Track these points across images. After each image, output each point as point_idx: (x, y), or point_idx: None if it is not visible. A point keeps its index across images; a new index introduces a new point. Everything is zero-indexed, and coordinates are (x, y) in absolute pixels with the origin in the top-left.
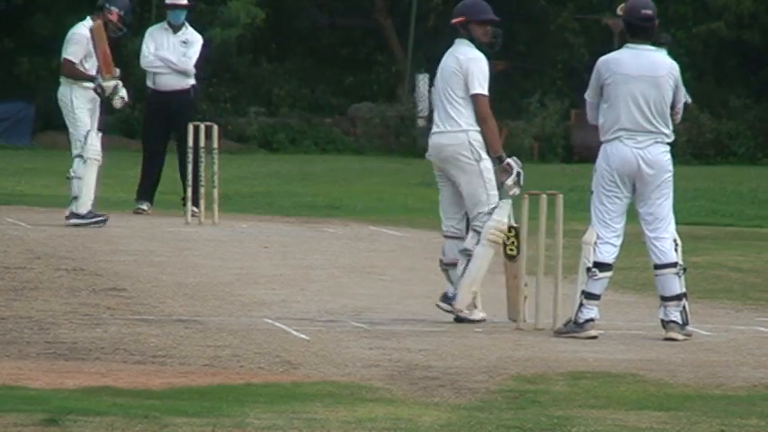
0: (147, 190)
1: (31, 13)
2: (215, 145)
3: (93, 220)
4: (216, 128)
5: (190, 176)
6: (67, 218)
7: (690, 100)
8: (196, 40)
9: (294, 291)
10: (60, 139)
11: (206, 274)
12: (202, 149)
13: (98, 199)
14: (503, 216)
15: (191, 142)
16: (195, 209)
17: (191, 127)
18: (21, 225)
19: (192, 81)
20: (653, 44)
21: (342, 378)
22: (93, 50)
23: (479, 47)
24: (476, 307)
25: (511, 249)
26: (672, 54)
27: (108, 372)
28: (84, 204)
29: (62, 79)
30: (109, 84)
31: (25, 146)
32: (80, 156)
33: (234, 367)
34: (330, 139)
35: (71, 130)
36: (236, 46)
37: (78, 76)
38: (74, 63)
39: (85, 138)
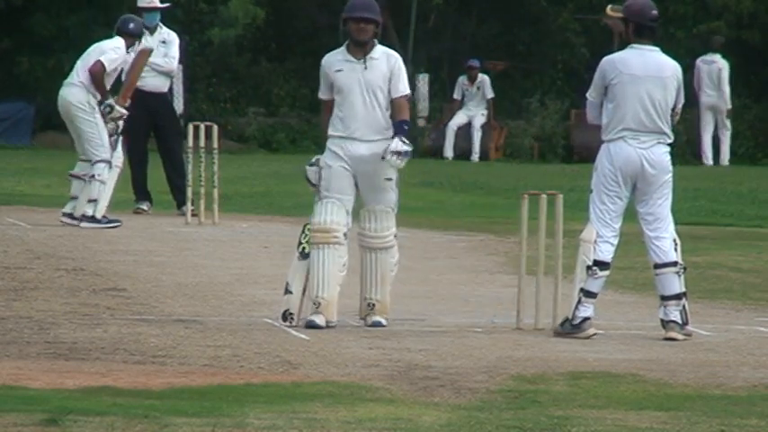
0: (142, 189)
1: (31, 13)
2: (215, 145)
3: (109, 225)
4: (216, 128)
5: (189, 176)
6: (79, 219)
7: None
8: (173, 39)
9: None
10: (60, 139)
11: (206, 274)
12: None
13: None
14: (313, 216)
15: (191, 142)
16: (184, 209)
17: (190, 127)
18: (21, 225)
19: (169, 83)
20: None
21: (342, 378)
22: (116, 71)
23: (356, 43)
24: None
25: (304, 247)
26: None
27: (108, 372)
28: (101, 210)
29: (78, 82)
30: (120, 110)
31: (25, 146)
32: (107, 162)
33: (234, 367)
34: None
35: (92, 133)
36: (236, 46)
37: (99, 84)
38: (105, 71)
39: (115, 145)
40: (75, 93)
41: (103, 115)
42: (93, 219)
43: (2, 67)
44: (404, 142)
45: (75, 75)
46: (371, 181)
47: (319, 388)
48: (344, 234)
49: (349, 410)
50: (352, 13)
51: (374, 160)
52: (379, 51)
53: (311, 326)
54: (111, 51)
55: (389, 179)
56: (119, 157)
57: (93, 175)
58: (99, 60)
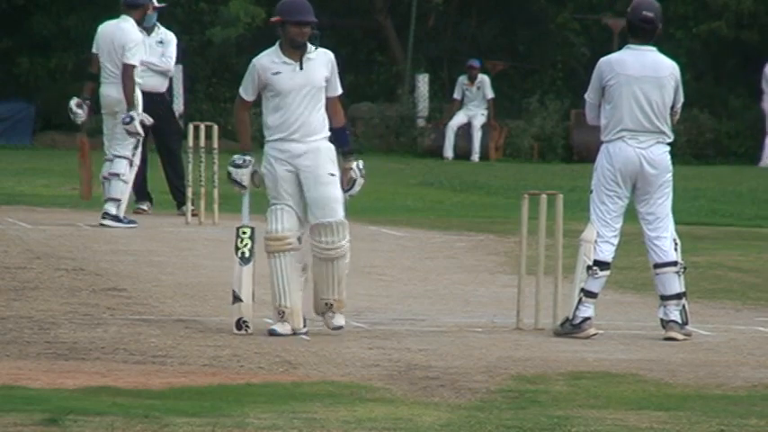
0: (142, 189)
1: (32, 12)
2: (215, 145)
3: (129, 225)
4: (216, 128)
5: (189, 176)
6: (104, 218)
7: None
8: (171, 39)
9: None
10: (60, 139)
11: (206, 274)
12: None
13: (100, 198)
14: (267, 224)
15: (191, 142)
16: (183, 209)
17: (190, 127)
18: (21, 225)
19: (167, 84)
20: None
21: (342, 378)
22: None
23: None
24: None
25: (243, 252)
26: None
27: (108, 372)
28: (123, 209)
29: (114, 79)
30: (138, 127)
31: (25, 146)
32: (130, 160)
33: (234, 367)
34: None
35: (121, 132)
36: (236, 46)
37: (130, 90)
38: (134, 67)
39: (137, 144)
40: (114, 87)
41: (124, 123)
42: (115, 218)
43: (2, 67)
44: (359, 170)
45: (117, 72)
46: (314, 175)
47: (319, 388)
48: (298, 239)
49: (349, 410)
50: (293, 17)
51: (313, 155)
52: (314, 50)
53: (273, 334)
54: (133, 46)
55: (333, 174)
56: (139, 154)
57: (117, 174)
58: (128, 65)
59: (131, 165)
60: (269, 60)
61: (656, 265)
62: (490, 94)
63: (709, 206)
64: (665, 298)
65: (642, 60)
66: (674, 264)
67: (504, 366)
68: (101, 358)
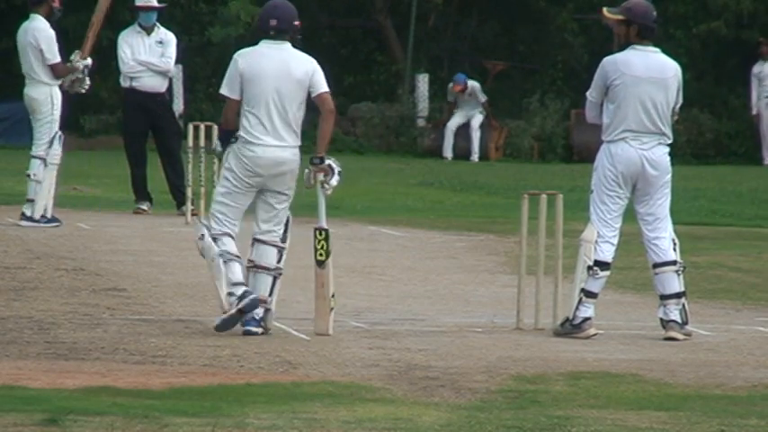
0: (142, 189)
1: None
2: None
3: (48, 224)
4: (216, 128)
5: (189, 176)
6: (20, 218)
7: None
8: (171, 39)
9: (294, 291)
10: None
11: (206, 275)
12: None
13: (100, 199)
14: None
15: (191, 142)
16: (183, 209)
17: (190, 127)
18: (21, 225)
19: (167, 84)
20: None
21: (342, 378)
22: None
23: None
24: None
25: (320, 254)
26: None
27: (108, 372)
28: (40, 209)
29: (40, 80)
30: (81, 62)
31: (25, 146)
32: (42, 159)
33: (234, 367)
34: (330, 138)
35: (41, 129)
36: (236, 46)
37: (67, 72)
38: (59, 63)
39: (51, 142)
40: (39, 89)
41: (75, 81)
42: (30, 219)
43: (2, 67)
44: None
45: (34, 73)
46: None
47: (319, 388)
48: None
49: (349, 410)
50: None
51: None
52: None
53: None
54: (51, 45)
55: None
56: (56, 154)
57: (28, 174)
58: (53, 65)
59: (46, 164)
60: None
61: (656, 265)
62: (483, 98)
63: (709, 206)
64: (664, 297)
65: (647, 61)
66: (674, 263)
67: (504, 366)
68: (101, 358)
